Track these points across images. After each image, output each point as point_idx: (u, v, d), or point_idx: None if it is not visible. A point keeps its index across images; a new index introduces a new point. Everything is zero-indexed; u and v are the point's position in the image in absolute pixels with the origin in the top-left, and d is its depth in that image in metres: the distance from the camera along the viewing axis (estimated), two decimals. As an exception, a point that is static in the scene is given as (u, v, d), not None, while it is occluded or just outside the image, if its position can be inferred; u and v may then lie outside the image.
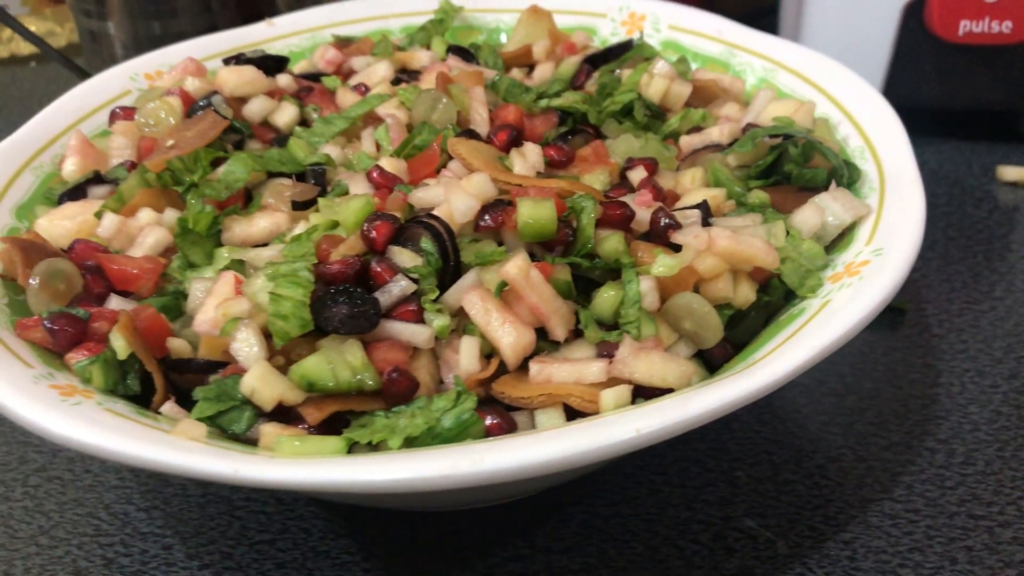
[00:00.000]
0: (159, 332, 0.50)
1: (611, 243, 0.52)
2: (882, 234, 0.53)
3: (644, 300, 0.50)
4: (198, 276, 0.54)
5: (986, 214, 0.85)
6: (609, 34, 0.84)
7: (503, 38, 0.86)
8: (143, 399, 0.49)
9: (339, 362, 0.46)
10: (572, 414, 0.48)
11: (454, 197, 0.51)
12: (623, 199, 0.54)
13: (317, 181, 0.61)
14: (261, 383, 0.45)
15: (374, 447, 0.45)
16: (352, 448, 0.45)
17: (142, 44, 1.02)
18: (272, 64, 0.74)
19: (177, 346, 0.51)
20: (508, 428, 0.47)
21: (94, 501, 0.59)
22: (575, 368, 0.48)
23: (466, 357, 0.48)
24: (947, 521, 0.55)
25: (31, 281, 0.53)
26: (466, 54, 0.77)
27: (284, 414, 0.47)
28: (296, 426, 0.46)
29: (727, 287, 0.51)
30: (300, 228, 0.55)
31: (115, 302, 0.53)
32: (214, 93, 0.67)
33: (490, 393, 0.49)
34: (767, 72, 0.73)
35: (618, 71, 0.72)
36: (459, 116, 0.65)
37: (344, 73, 0.78)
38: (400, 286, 0.49)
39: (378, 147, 0.65)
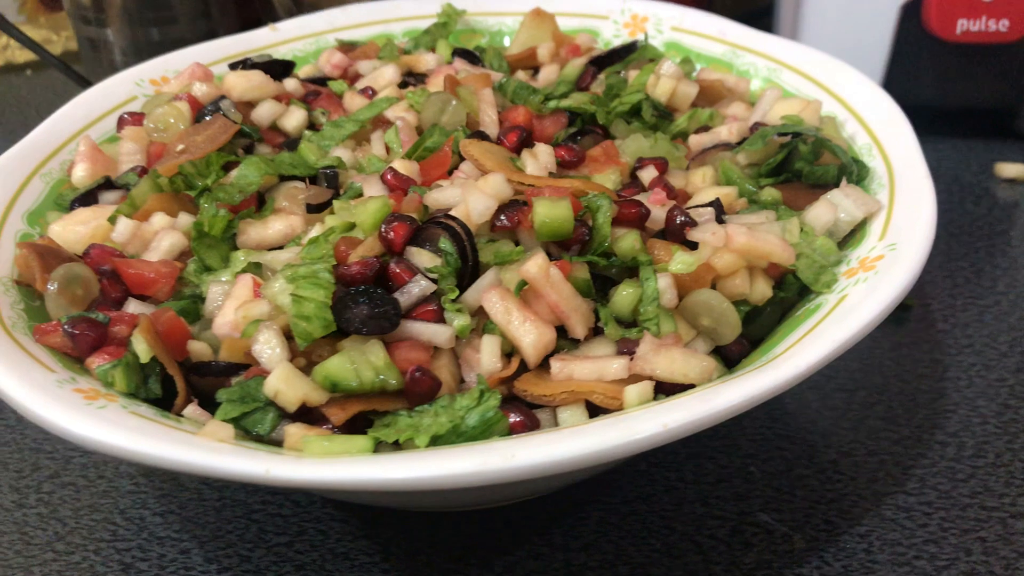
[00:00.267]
0: (179, 335, 0.50)
1: (627, 241, 0.52)
2: (895, 229, 0.54)
3: (662, 297, 0.50)
4: (215, 279, 0.54)
5: (986, 211, 0.86)
6: (612, 36, 0.84)
7: (506, 41, 0.87)
8: (164, 402, 0.49)
9: (362, 362, 0.46)
10: (593, 411, 0.48)
11: (472, 197, 0.51)
12: (636, 198, 0.55)
13: (330, 184, 0.61)
14: (285, 384, 0.45)
15: (400, 446, 0.45)
16: (378, 447, 0.45)
17: (141, 50, 1.02)
18: (279, 68, 0.74)
19: (197, 349, 0.51)
20: (532, 425, 0.47)
21: (109, 506, 0.59)
22: (596, 365, 0.48)
23: (488, 356, 0.49)
24: (960, 513, 0.56)
25: (49, 286, 0.53)
26: (471, 57, 0.77)
27: (307, 415, 0.47)
28: (320, 426, 0.46)
29: (744, 283, 0.52)
30: (316, 231, 0.55)
31: (133, 306, 0.53)
32: (222, 98, 0.67)
33: (512, 391, 0.49)
34: (771, 72, 0.74)
35: (624, 72, 0.72)
36: (468, 118, 0.65)
37: (350, 77, 0.78)
38: (420, 286, 0.49)
39: (388, 150, 0.65)
